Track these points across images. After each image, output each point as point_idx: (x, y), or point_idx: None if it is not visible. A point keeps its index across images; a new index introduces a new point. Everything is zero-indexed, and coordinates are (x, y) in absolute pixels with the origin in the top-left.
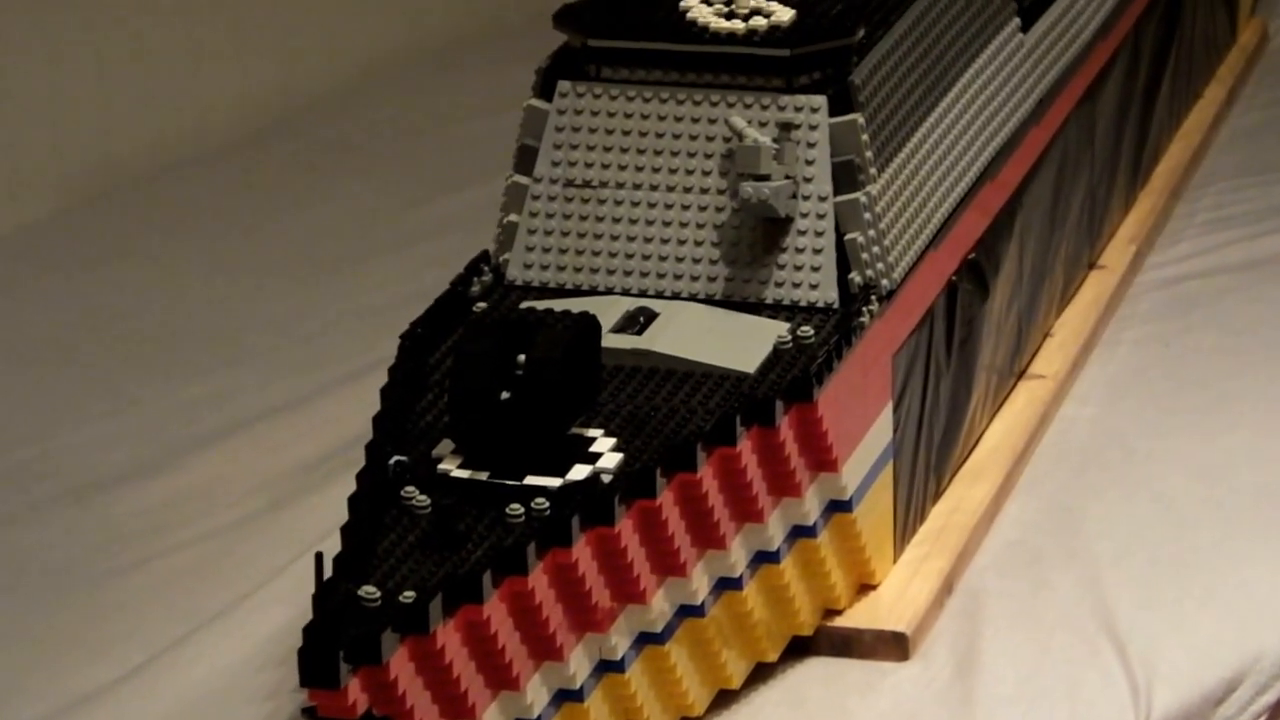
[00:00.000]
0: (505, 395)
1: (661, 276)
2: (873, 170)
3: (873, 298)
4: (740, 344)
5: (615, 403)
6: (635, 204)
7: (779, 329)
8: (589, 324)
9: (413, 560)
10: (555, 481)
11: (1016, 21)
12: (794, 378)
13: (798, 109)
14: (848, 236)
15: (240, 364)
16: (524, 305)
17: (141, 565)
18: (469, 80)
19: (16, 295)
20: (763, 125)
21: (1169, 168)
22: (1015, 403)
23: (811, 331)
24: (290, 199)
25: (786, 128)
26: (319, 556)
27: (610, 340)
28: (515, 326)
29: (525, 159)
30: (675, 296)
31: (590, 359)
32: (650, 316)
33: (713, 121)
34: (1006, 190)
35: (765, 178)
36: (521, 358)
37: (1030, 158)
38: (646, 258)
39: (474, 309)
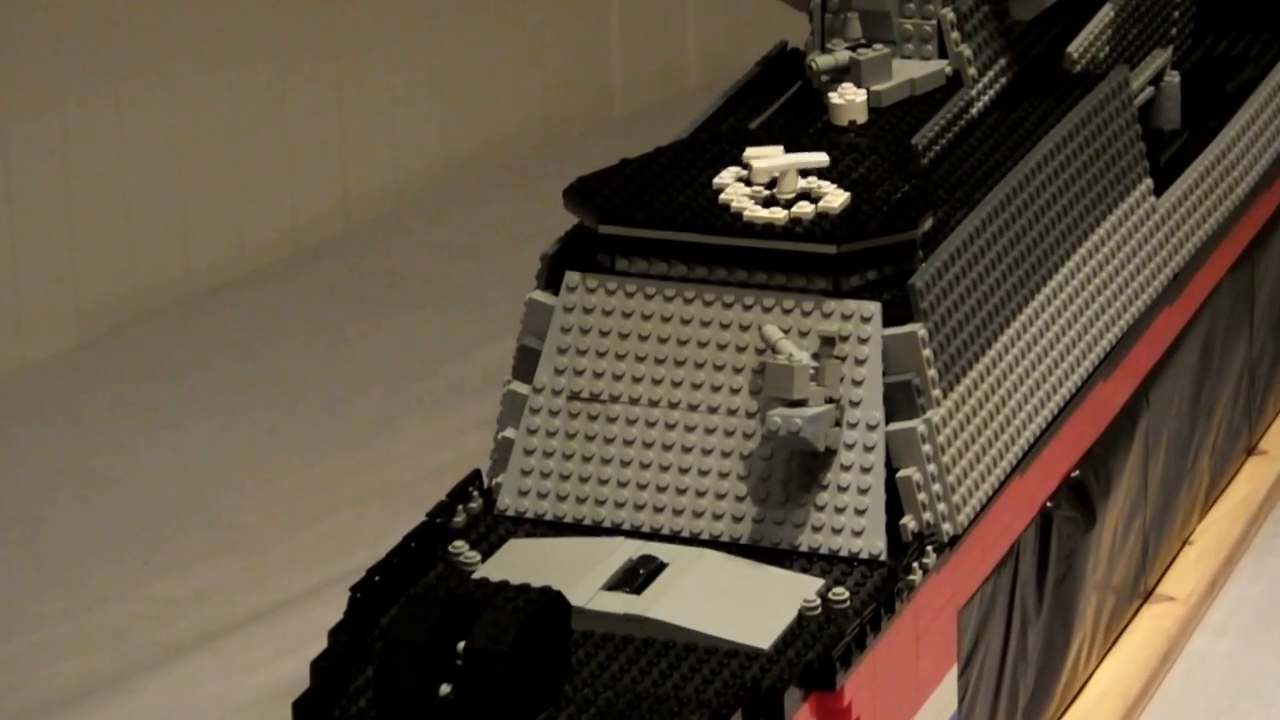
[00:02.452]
0: (446, 689)
1: (678, 514)
2: (936, 392)
3: (928, 549)
4: (759, 609)
5: (594, 687)
6: (650, 424)
7: (809, 589)
8: (549, 604)
9: None
10: None
11: (1147, 184)
12: (814, 659)
13: (846, 317)
14: (901, 474)
15: (229, 552)
16: (478, 574)
17: None
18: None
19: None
20: (804, 335)
21: None
22: (1136, 633)
23: (845, 595)
24: (329, 334)
25: (830, 342)
26: None
27: (601, 601)
28: (458, 607)
29: (525, 362)
30: (693, 539)
31: (551, 645)
32: (656, 568)
33: (744, 328)
34: (1126, 389)
35: (801, 403)
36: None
37: (1161, 345)
38: (661, 490)
39: (451, 549)
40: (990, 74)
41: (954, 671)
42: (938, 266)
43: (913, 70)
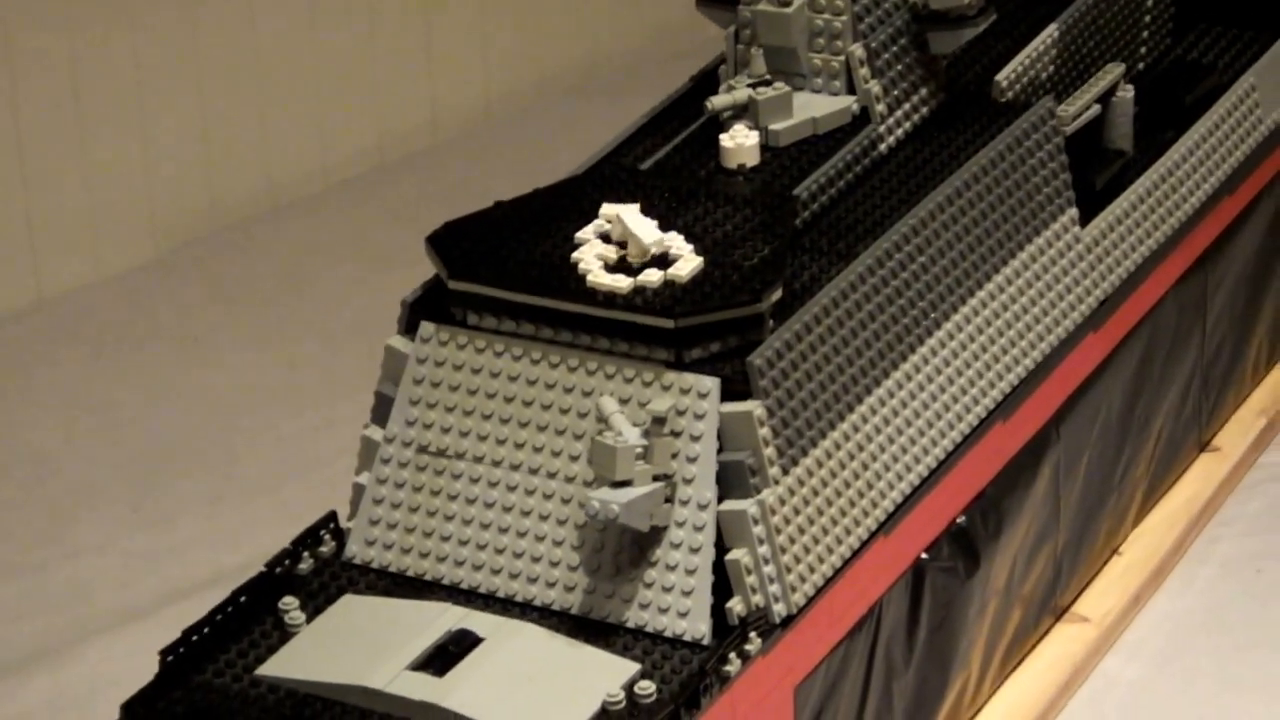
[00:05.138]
0: None
1: (513, 577)
2: (774, 471)
3: (752, 635)
4: (561, 700)
5: None
6: (492, 484)
7: (620, 676)
8: None
9: None
10: None
11: (1070, 215)
12: None
13: (684, 390)
14: (730, 556)
15: (219, 503)
16: (300, 635)
17: None
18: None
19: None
20: (644, 405)
21: None
22: (1042, 656)
23: (651, 690)
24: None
25: (661, 421)
26: None
27: (401, 683)
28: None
29: (381, 408)
30: (525, 604)
31: None
32: (470, 644)
33: (587, 394)
34: (1032, 426)
35: (626, 483)
36: None
37: (1082, 372)
38: (499, 552)
39: (281, 605)
40: (904, 109)
41: None
42: (785, 340)
43: (817, 107)
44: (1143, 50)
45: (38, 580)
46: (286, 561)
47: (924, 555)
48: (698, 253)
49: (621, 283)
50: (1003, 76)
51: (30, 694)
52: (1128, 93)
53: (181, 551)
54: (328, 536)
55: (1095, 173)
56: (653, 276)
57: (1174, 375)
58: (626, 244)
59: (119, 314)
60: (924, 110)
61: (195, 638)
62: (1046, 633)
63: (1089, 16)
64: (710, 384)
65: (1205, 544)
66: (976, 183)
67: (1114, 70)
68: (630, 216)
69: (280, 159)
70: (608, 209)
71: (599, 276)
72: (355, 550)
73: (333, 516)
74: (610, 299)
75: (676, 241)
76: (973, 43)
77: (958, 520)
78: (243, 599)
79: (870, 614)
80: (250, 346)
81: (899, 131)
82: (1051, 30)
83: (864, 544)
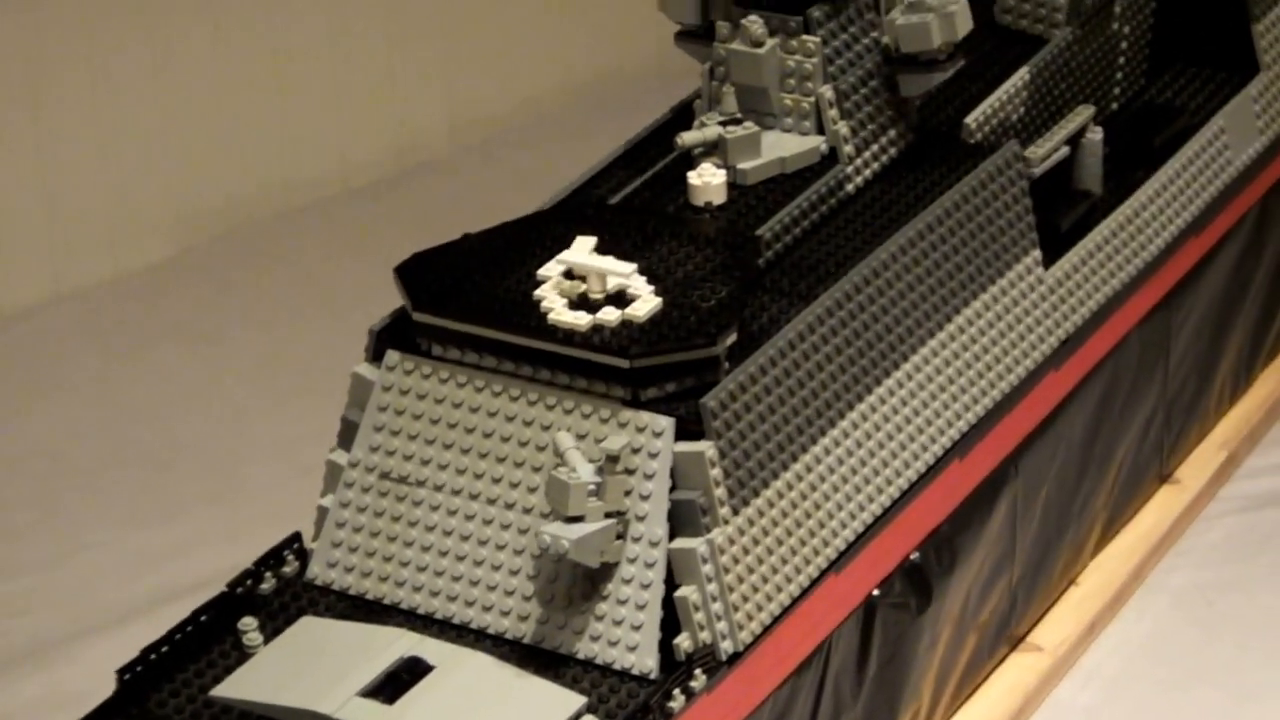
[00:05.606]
0: None
1: (469, 604)
2: (724, 511)
3: (697, 672)
4: None
5: None
6: (451, 512)
7: (566, 709)
8: None
9: None
10: None
11: (1034, 257)
12: None
13: (639, 429)
14: (679, 594)
15: (218, 503)
16: (257, 656)
17: None
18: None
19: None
20: (600, 441)
21: None
22: (996, 684)
23: None
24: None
25: (615, 459)
26: None
27: (350, 709)
28: None
29: (347, 433)
30: (480, 631)
31: None
32: (421, 672)
33: (545, 428)
34: (989, 463)
35: (578, 518)
36: None
37: (1042, 410)
38: (455, 579)
39: (240, 625)
40: (872, 150)
41: None
42: (740, 382)
43: (786, 147)
44: (1116, 91)
45: (41, 577)
46: (248, 581)
47: (875, 592)
48: (657, 293)
49: (581, 320)
50: (971, 119)
51: (29, 689)
52: (1096, 134)
53: (177, 554)
54: (291, 557)
55: (1062, 214)
56: (611, 315)
57: (1136, 411)
58: (587, 279)
59: (133, 312)
60: (893, 151)
61: (153, 656)
62: (1001, 661)
63: (1060, 60)
64: (665, 423)
65: (1161, 574)
66: (940, 225)
67: (1084, 112)
68: (591, 254)
69: (297, 162)
70: (578, 241)
71: (559, 313)
72: (317, 572)
73: (297, 537)
74: (569, 336)
75: (636, 280)
76: (947, 84)
77: (911, 557)
78: (202, 618)
79: (819, 650)
80: (263, 347)
81: (866, 172)
82: (1022, 74)
83: (814, 582)
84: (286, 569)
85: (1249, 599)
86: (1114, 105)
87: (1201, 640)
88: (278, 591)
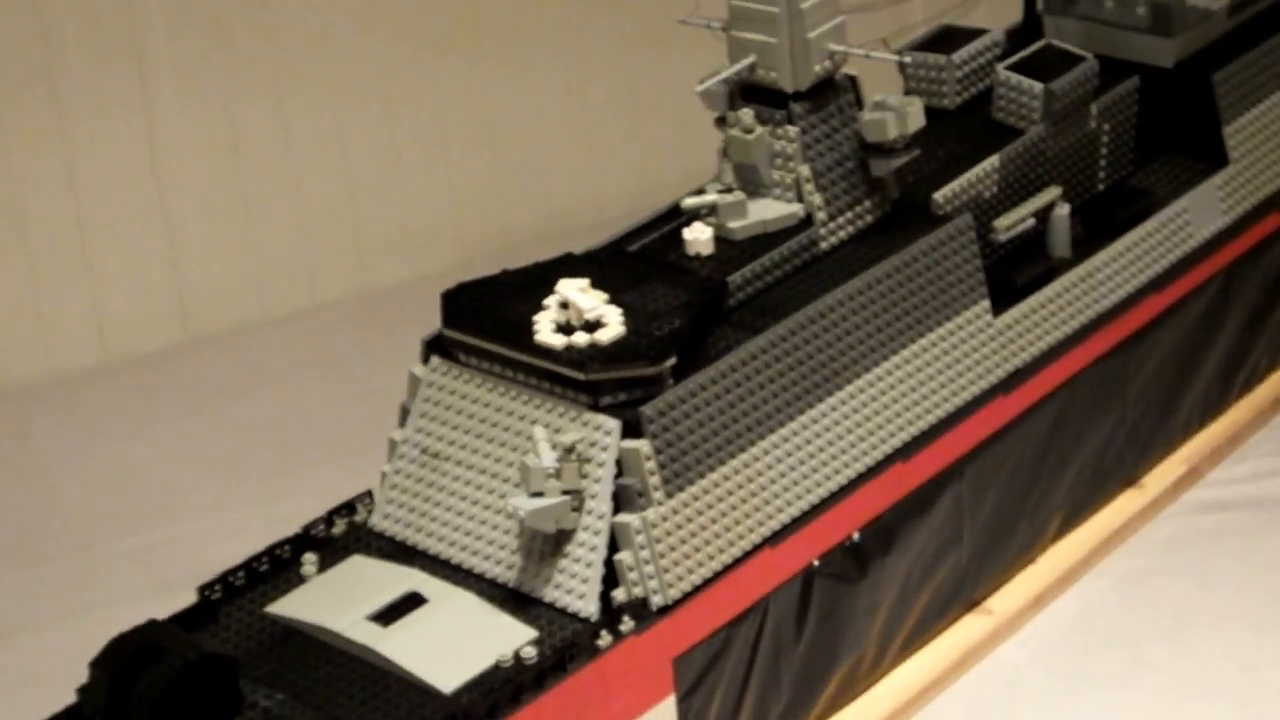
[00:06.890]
0: None
1: (475, 554)
2: (659, 494)
3: (626, 618)
4: (467, 654)
5: (297, 696)
6: (467, 483)
7: (520, 640)
8: (215, 666)
9: None
10: None
11: (982, 305)
12: (470, 702)
13: (596, 427)
14: (616, 556)
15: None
16: (311, 583)
17: None
18: None
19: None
20: (566, 434)
21: None
22: (945, 640)
23: (534, 654)
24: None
25: (570, 450)
26: None
27: (354, 629)
28: (145, 652)
29: (404, 417)
30: (480, 576)
31: (212, 700)
32: (416, 603)
33: (532, 422)
34: (932, 467)
35: (539, 494)
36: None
37: (987, 429)
38: (468, 534)
39: (302, 559)
40: (844, 216)
41: (670, 700)
42: (678, 395)
43: (770, 211)
44: (1101, 177)
45: (48, 570)
46: (321, 525)
47: (815, 563)
48: (625, 322)
49: (558, 341)
50: (940, 195)
51: (26, 651)
52: (1064, 209)
53: (189, 543)
54: (362, 509)
55: (1024, 273)
56: (582, 339)
57: (1093, 432)
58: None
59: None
60: (867, 218)
61: (230, 579)
62: (954, 621)
63: (1032, 150)
64: (613, 425)
65: (1110, 561)
66: (890, 276)
67: (1052, 191)
68: (574, 290)
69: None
70: (564, 282)
71: (544, 335)
72: (376, 521)
73: (368, 493)
74: (548, 353)
75: (609, 311)
76: (935, 165)
77: (853, 537)
78: (277, 552)
79: (756, 606)
80: (319, 374)
81: (840, 234)
82: (993, 159)
83: (748, 554)
84: (358, 518)
85: (1172, 583)
86: (1099, 188)
87: (1122, 615)
88: (346, 534)
